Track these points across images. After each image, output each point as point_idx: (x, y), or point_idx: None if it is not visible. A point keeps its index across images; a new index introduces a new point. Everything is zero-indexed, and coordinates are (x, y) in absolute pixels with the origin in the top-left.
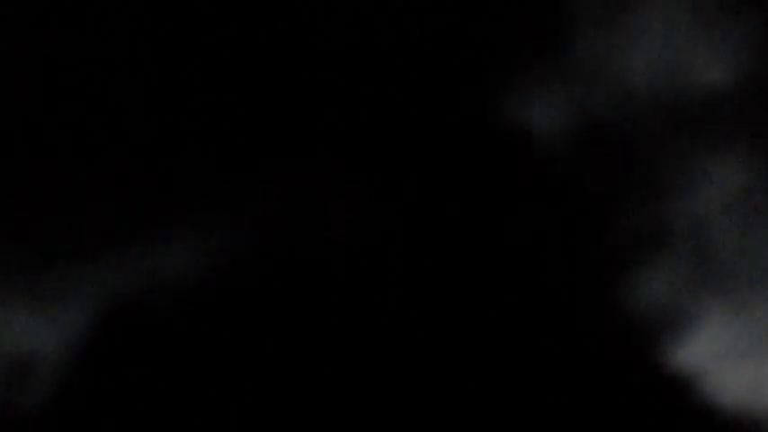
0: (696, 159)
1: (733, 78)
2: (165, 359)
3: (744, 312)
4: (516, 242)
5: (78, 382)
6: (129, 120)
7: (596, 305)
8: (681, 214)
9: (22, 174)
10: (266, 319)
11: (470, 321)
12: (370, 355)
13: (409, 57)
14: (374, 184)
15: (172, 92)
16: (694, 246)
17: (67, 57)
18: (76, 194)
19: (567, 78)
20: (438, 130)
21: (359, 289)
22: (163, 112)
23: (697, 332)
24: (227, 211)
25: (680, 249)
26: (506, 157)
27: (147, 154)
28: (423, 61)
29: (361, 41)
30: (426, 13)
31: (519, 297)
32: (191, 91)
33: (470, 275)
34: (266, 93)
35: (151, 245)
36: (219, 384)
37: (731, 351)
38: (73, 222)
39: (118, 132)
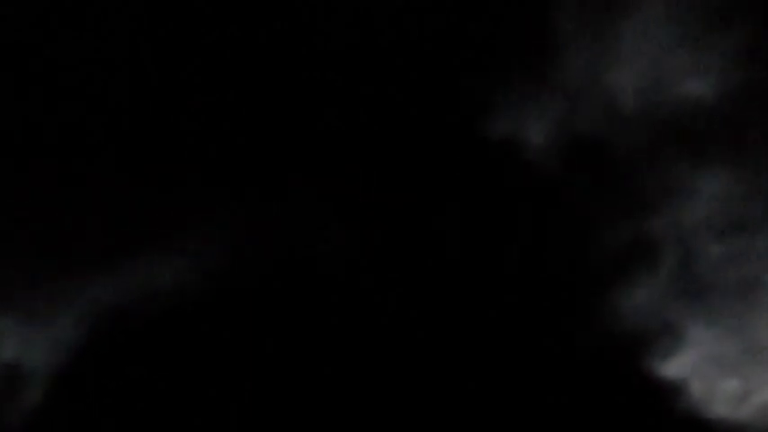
0: (681, 174)
1: (717, 95)
2: (154, 368)
3: (728, 324)
4: (504, 255)
5: (68, 391)
6: (122, 136)
7: (584, 317)
8: (666, 228)
9: (14, 186)
10: (256, 328)
11: (459, 334)
12: (356, 362)
13: (400, 71)
14: (365, 197)
15: (168, 107)
16: (679, 259)
17: (51, 78)
18: (68, 208)
19: (555, 94)
20: (428, 145)
21: (349, 299)
22: (157, 128)
23: (683, 343)
24: (216, 224)
25: (665, 263)
26: (495, 171)
27: (139, 168)
28: (414, 76)
29: (352, 58)
30: (417, 30)
31: (507, 309)
32: (187, 106)
33: (459, 289)
34: (259, 111)
35: (140, 257)
36: (209, 392)
37: (716, 361)
38: (62, 235)
39: (109, 147)
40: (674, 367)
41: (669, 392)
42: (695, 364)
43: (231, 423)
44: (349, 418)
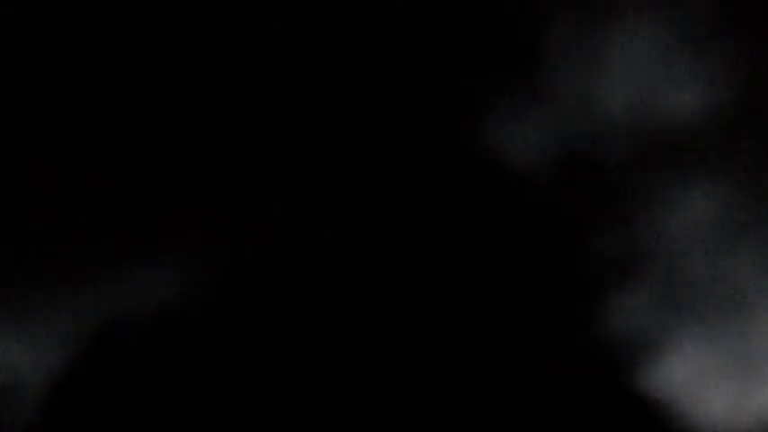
0: (668, 187)
1: (706, 107)
2: (149, 381)
3: (716, 337)
4: (490, 266)
5: (60, 408)
6: (111, 148)
7: (571, 329)
8: (654, 241)
9: (3, 201)
10: (251, 340)
11: (447, 347)
12: (349, 378)
13: (390, 81)
14: (354, 213)
15: (161, 119)
16: (667, 272)
17: (41, 86)
18: (59, 221)
19: (543, 106)
20: (415, 159)
21: (345, 311)
22: (149, 141)
23: (672, 357)
24: (209, 235)
25: (653, 276)
26: (483, 182)
27: (130, 179)
28: (401, 89)
29: (340, 70)
30: (407, 41)
31: (493, 320)
32: (180, 118)
33: (446, 302)
34: (251, 124)
35: (132, 271)
36: (204, 404)
37: (706, 375)
38: (54, 249)
39: (98, 159)
40: (662, 379)
41: (658, 404)
42: (684, 376)
43: None
44: (346, 428)
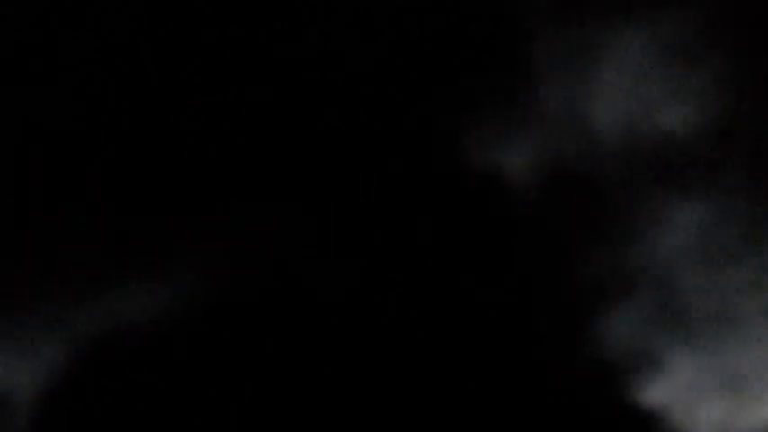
0: (659, 204)
1: (696, 125)
2: (140, 394)
3: (707, 352)
4: (481, 284)
5: (55, 417)
6: (107, 163)
7: (563, 347)
8: (644, 258)
9: (6, 210)
10: (245, 356)
11: (440, 365)
12: (344, 394)
13: (379, 99)
14: (349, 227)
15: (158, 136)
16: (659, 288)
17: (31, 107)
18: (55, 236)
19: (533, 125)
20: (410, 176)
21: (339, 329)
22: (143, 156)
23: (663, 372)
24: (203, 252)
25: (644, 293)
26: (473, 202)
27: (125, 195)
28: (396, 105)
29: (333, 87)
30: (396, 60)
31: (485, 338)
32: (176, 135)
33: (438, 319)
34: (246, 140)
35: (127, 285)
36: (197, 419)
37: (697, 389)
38: (50, 263)
39: (93, 174)
40: (654, 395)
41: (650, 421)
42: (676, 392)
43: None
44: None
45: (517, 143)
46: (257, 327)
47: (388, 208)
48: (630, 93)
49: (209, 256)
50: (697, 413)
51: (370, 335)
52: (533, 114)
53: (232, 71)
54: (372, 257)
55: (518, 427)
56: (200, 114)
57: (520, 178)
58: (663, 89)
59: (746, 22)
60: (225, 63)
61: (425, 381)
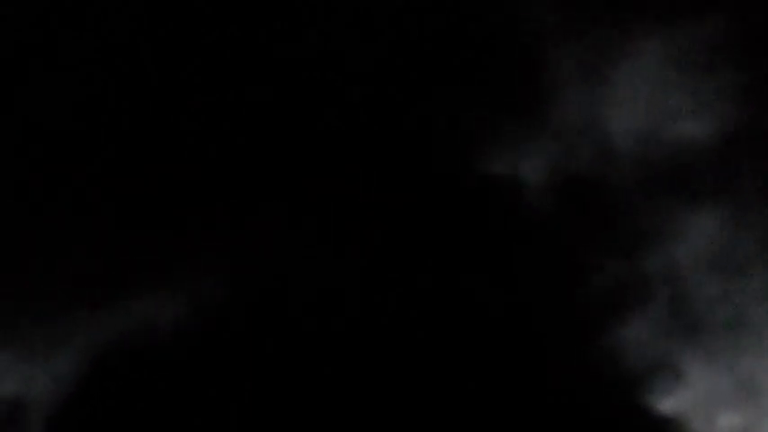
0: (674, 212)
1: (710, 135)
2: (154, 404)
3: (723, 360)
4: (498, 294)
5: (67, 424)
6: (119, 172)
7: (579, 356)
8: (660, 267)
9: (13, 222)
10: (255, 364)
11: (451, 374)
12: (355, 396)
13: (395, 108)
14: (361, 233)
15: (164, 143)
16: (674, 297)
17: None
18: (67, 245)
19: (550, 134)
20: (423, 183)
21: (348, 334)
22: (153, 165)
23: (680, 380)
24: (215, 260)
25: (661, 300)
26: (490, 211)
27: (138, 204)
28: (409, 115)
29: (343, 92)
30: (413, 67)
31: (501, 348)
32: (182, 142)
33: (450, 327)
34: (251, 146)
35: (140, 293)
36: (209, 427)
37: (714, 397)
38: (62, 272)
39: (107, 183)
40: (670, 403)
41: (666, 428)
42: (692, 400)
43: None
44: None
45: (534, 151)
46: (267, 334)
47: (403, 213)
48: (646, 102)
49: (219, 264)
50: (713, 421)
51: (382, 339)
52: (550, 123)
53: (235, 76)
54: (386, 262)
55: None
56: (210, 125)
57: (536, 186)
58: (679, 99)
59: (764, 33)
60: (227, 70)
61: (434, 387)
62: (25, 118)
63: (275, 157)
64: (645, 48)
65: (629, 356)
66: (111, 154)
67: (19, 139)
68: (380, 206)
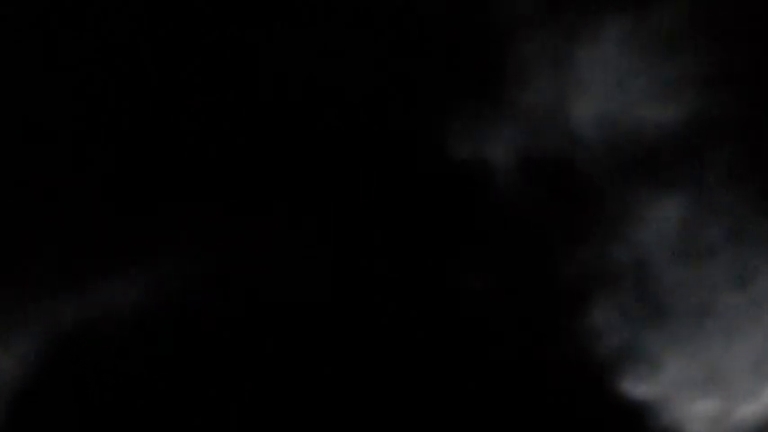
0: (641, 199)
1: (676, 120)
2: (115, 385)
3: (692, 347)
4: (464, 280)
5: (29, 411)
6: (84, 157)
7: (547, 343)
8: (627, 253)
9: None
10: (220, 351)
11: (425, 364)
12: (324, 390)
13: (358, 96)
14: (331, 221)
15: (133, 129)
16: (641, 284)
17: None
18: (32, 228)
19: (514, 119)
20: (387, 170)
21: (319, 324)
22: (120, 150)
23: (649, 367)
24: (180, 245)
25: (628, 288)
26: (455, 196)
27: (101, 187)
28: (373, 103)
29: (314, 87)
30: (377, 55)
31: (469, 334)
32: (153, 129)
33: (421, 316)
34: (226, 133)
35: (103, 278)
36: (170, 413)
37: (684, 384)
38: (28, 255)
39: (70, 168)
40: (639, 391)
41: (635, 417)
42: (662, 389)
43: None
44: None
45: (498, 138)
46: (232, 318)
47: (369, 203)
48: (612, 88)
49: (187, 250)
50: (683, 409)
51: (354, 331)
52: (514, 109)
53: (213, 70)
54: (354, 252)
55: (505, 425)
56: (181, 109)
57: (501, 174)
58: (644, 84)
59: (728, 17)
60: (205, 64)
61: (409, 378)
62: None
63: (252, 146)
64: (611, 33)
65: (596, 344)
66: (72, 138)
67: None
68: (344, 193)
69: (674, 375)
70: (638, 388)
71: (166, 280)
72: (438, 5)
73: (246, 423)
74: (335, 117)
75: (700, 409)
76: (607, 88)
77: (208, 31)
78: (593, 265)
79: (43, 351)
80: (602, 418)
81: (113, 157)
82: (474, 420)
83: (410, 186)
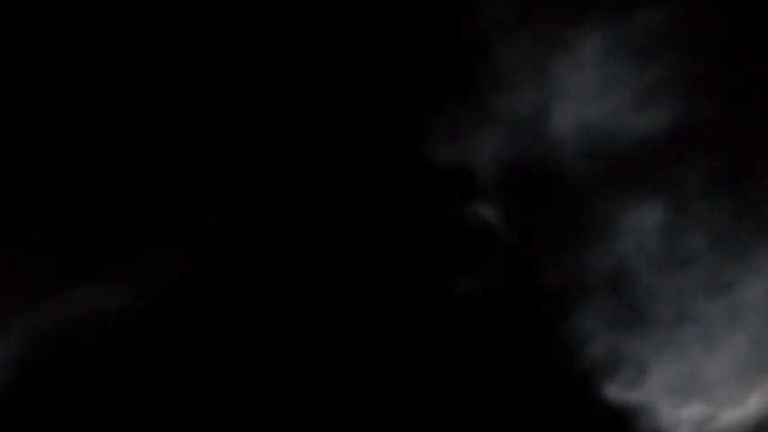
0: (619, 205)
1: (655, 128)
2: (97, 384)
3: (671, 353)
4: (445, 288)
5: (16, 410)
6: (67, 161)
7: (529, 351)
8: (606, 260)
9: None
10: (202, 353)
11: (409, 368)
12: (306, 391)
13: (338, 101)
14: (309, 229)
15: (116, 132)
16: (620, 290)
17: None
18: (17, 228)
19: (494, 126)
20: (367, 174)
21: (300, 326)
22: (102, 153)
23: (629, 373)
24: (162, 249)
25: (607, 294)
26: (433, 202)
27: (84, 191)
28: (353, 106)
29: (297, 91)
30: (356, 59)
31: (454, 344)
32: (136, 131)
33: (406, 323)
34: (207, 134)
35: (86, 280)
36: (153, 416)
37: (663, 390)
38: (12, 254)
39: (53, 171)
40: (618, 397)
41: (616, 423)
42: (642, 394)
43: None
44: None
45: (478, 145)
46: (222, 324)
47: (348, 208)
48: (593, 95)
49: (171, 252)
50: (667, 415)
51: (339, 333)
52: (495, 116)
53: (197, 75)
54: (334, 258)
55: (489, 429)
56: (169, 108)
57: (481, 180)
58: (624, 92)
59: (709, 24)
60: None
61: (396, 384)
62: None
63: (224, 142)
64: (591, 40)
65: (575, 350)
66: (55, 140)
67: None
68: (324, 198)
69: (657, 382)
70: (621, 395)
71: (151, 282)
72: (419, 12)
73: (233, 425)
74: (315, 122)
75: (684, 415)
76: (587, 95)
77: (198, 33)
78: (575, 272)
79: (26, 354)
80: (586, 424)
81: (96, 158)
82: (459, 427)
83: (389, 192)
